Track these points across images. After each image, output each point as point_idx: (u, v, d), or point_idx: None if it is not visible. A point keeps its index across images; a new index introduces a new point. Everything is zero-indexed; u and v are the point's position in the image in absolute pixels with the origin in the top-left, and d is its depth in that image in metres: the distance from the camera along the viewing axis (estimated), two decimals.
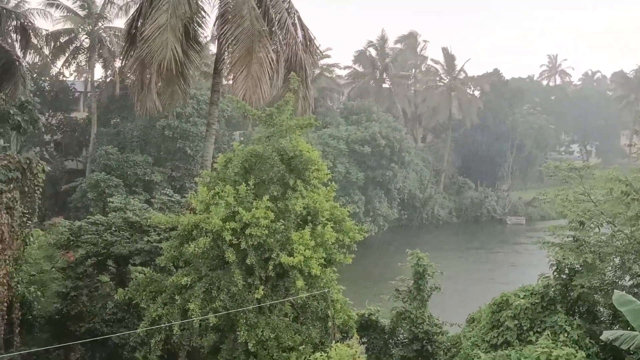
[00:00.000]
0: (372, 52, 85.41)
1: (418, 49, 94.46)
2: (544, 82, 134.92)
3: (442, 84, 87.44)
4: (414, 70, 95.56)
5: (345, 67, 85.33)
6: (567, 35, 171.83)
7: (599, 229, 18.37)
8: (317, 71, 65.09)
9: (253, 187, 16.98)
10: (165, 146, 53.60)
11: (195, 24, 23.56)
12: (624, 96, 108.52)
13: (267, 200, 16.55)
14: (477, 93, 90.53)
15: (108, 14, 54.51)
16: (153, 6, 21.89)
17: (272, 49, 21.73)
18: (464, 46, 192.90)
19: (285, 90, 20.28)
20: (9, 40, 38.84)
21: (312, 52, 24.32)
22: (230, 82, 23.80)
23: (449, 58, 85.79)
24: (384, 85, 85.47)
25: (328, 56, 75.53)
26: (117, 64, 53.98)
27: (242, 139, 53.87)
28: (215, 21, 22.79)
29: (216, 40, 23.58)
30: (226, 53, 22.61)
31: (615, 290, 15.04)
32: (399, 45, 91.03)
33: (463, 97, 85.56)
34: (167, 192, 32.32)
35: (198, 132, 50.96)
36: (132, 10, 24.64)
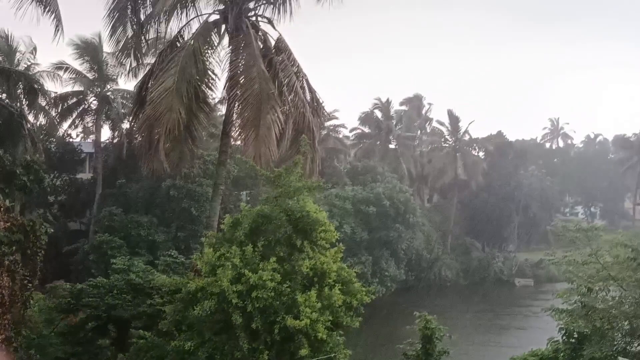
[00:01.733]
0: (378, 113, 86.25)
1: (423, 111, 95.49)
2: (547, 145, 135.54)
3: (447, 145, 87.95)
4: (419, 131, 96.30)
5: (352, 129, 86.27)
6: (571, 98, 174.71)
7: (606, 292, 18.04)
8: (324, 132, 65.57)
9: (261, 248, 16.76)
10: (171, 207, 53.40)
11: (205, 86, 23.81)
12: (626, 159, 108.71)
13: (274, 261, 16.30)
14: (481, 154, 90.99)
15: (117, 77, 55.18)
16: (162, 68, 22.17)
17: (281, 110, 21.86)
18: (469, 107, 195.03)
19: (293, 151, 20.30)
20: (18, 102, 39.31)
21: (320, 114, 24.53)
22: (238, 143, 23.90)
23: (454, 119, 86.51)
24: (390, 146, 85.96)
25: (335, 117, 76.38)
26: (125, 125, 54.40)
27: (248, 199, 53.77)
28: (225, 84, 23.02)
29: (225, 102, 23.78)
30: (235, 115, 22.76)
31: (619, 357, 14.65)
32: (404, 107, 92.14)
33: (468, 158, 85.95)
34: (172, 253, 32.04)
35: (204, 193, 50.86)
36: (141, 74, 24.92)
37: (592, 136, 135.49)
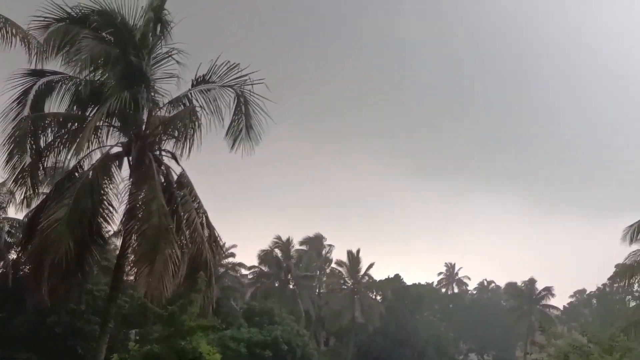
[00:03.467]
0: (278, 252, 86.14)
1: (323, 252, 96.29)
2: (443, 290, 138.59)
3: (346, 287, 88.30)
4: (318, 272, 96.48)
5: (251, 267, 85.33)
6: (465, 245, 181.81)
7: None
8: (221, 270, 64.51)
9: None
10: (55, 344, 50.03)
11: (101, 218, 23.13)
12: (517, 307, 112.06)
13: None
14: (379, 298, 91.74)
15: (6, 205, 53.03)
16: (56, 198, 21.50)
17: (178, 246, 21.43)
18: (371, 247, 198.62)
19: (188, 288, 19.71)
20: None
21: (218, 251, 24.22)
22: (131, 278, 23.05)
23: (354, 261, 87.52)
24: (289, 286, 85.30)
25: (233, 254, 75.59)
26: (12, 255, 51.71)
27: (137, 337, 51.21)
28: (123, 216, 22.46)
29: (121, 235, 23.10)
30: (130, 248, 22.08)
31: None
32: (304, 247, 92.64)
33: (366, 301, 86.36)
34: None
35: (91, 330, 48.11)
36: (34, 203, 24.00)
37: (485, 283, 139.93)
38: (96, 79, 22.86)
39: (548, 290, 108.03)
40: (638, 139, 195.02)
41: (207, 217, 23.69)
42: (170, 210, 22.08)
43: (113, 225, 23.90)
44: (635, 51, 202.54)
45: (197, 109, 23.00)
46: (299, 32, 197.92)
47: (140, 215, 21.55)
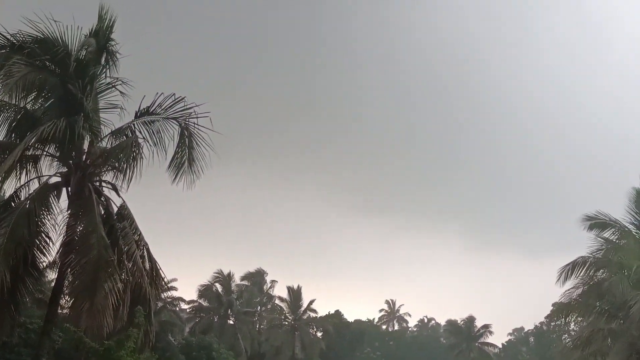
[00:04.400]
0: (219, 286, 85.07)
1: (265, 287, 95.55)
2: (384, 327, 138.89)
3: (286, 323, 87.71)
4: (259, 307, 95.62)
5: (190, 302, 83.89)
6: (406, 282, 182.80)
7: None
8: (160, 304, 63.33)
9: None
10: None
11: (37, 249, 22.50)
12: (456, 345, 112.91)
13: None
14: (319, 334, 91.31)
15: None
16: None
17: (120, 279, 20.99)
18: (312, 284, 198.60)
19: (129, 323, 19.28)
20: None
21: (158, 285, 23.78)
22: (66, 312, 22.41)
23: (295, 296, 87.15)
24: (229, 322, 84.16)
25: (174, 288, 74.39)
26: None
27: None
28: (60, 248, 21.90)
29: (56, 267, 22.50)
30: (67, 281, 21.51)
31: None
32: (246, 282, 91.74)
33: (307, 337, 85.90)
34: None
35: None
36: None
37: (425, 320, 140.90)
38: (28, 106, 22.53)
39: (486, 328, 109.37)
40: (574, 177, 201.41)
41: (148, 250, 23.32)
42: (111, 243, 21.67)
43: (49, 256, 23.31)
44: (579, 90, 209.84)
45: (140, 140, 22.78)
46: (245, 67, 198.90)
47: (78, 248, 21.06)
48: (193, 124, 22.59)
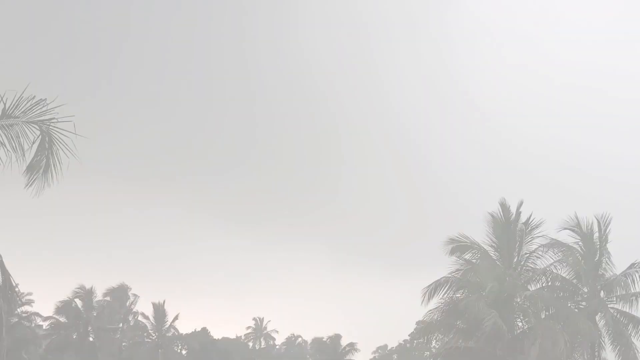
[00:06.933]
0: (78, 302, 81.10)
1: (128, 303, 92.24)
2: (250, 344, 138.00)
3: (150, 340, 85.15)
4: (122, 324, 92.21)
5: (47, 318, 79.49)
6: (276, 298, 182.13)
7: None
8: (14, 320, 59.75)
9: None
10: None
11: None
12: None
13: None
14: (185, 352, 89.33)
15: None
16: None
17: None
18: (179, 299, 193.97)
19: None
20: None
21: (12, 299, 22.35)
22: None
23: (160, 313, 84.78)
24: (88, 339, 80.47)
25: (30, 302, 70.62)
26: None
27: None
28: None
29: None
30: None
31: None
32: (108, 298, 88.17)
33: (171, 355, 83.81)
34: None
35: None
36: None
37: (292, 337, 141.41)
38: None
39: (352, 346, 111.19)
40: (436, 201, 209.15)
41: (1, 262, 21.86)
42: None
43: None
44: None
45: None
46: (118, 68, 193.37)
47: None
48: (55, 128, 21.40)
